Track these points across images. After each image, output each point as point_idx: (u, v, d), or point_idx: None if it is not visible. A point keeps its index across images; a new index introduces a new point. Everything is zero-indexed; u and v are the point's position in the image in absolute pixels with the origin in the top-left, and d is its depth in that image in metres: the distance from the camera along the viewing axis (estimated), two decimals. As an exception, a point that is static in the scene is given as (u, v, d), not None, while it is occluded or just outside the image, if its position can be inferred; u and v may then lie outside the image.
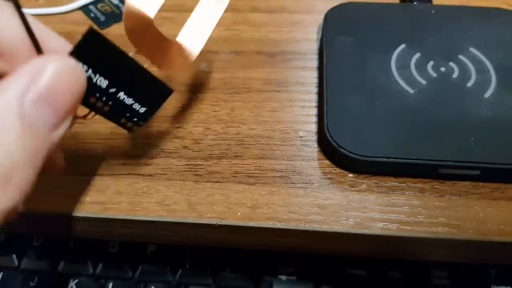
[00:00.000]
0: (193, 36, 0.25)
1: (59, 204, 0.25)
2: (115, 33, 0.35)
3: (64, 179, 0.26)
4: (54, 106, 0.17)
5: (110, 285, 0.32)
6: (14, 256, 0.33)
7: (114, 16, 0.36)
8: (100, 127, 0.28)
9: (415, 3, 0.34)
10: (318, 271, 0.32)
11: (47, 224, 0.26)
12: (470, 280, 0.31)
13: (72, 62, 0.18)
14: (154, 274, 0.32)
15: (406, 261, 0.31)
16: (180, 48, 0.26)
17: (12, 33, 0.19)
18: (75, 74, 0.18)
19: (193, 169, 0.26)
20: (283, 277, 0.32)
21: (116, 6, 0.37)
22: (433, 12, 0.33)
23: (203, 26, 0.25)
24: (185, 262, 0.32)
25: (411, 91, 0.27)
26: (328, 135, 0.26)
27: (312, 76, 0.31)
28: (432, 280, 0.31)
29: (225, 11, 0.37)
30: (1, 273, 0.33)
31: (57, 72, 0.17)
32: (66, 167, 0.26)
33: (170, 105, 0.30)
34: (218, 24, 0.35)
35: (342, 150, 0.25)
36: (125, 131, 0.23)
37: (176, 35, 0.34)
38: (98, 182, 0.26)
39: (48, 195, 0.25)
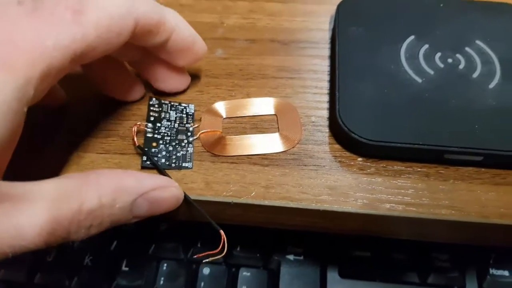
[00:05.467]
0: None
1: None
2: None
3: (87, 157, 0.27)
4: (152, 210, 0.24)
5: (124, 261, 0.34)
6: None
7: None
8: (121, 109, 0.30)
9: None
10: (324, 251, 0.33)
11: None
12: (470, 263, 0.33)
13: (182, 194, 0.25)
14: (167, 252, 0.34)
15: (409, 243, 0.33)
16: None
17: (182, 34, 0.26)
18: (178, 201, 0.25)
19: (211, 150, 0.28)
20: (291, 257, 0.33)
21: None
22: (442, 5, 0.34)
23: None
24: (197, 240, 0.34)
25: (419, 80, 0.29)
26: (339, 120, 0.27)
27: (324, 64, 0.33)
28: (433, 262, 0.33)
29: (241, -1, 0.38)
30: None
31: (172, 196, 0.24)
32: (91, 145, 0.28)
33: (188, 89, 0.31)
34: (234, 12, 0.37)
35: (353, 134, 0.26)
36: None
37: (193, 22, 0.36)
38: (121, 160, 0.27)
39: (72, 171, 0.27)
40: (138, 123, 0.27)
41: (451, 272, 0.32)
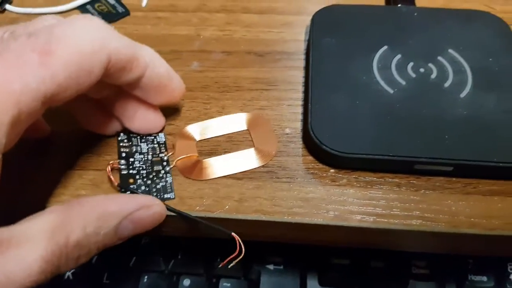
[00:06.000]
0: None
1: (57, 196, 0.27)
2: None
3: (62, 173, 0.27)
4: (136, 229, 0.24)
5: (106, 274, 0.34)
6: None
7: (111, 15, 0.38)
8: (96, 144, 0.30)
9: (399, 5, 0.36)
10: (304, 260, 0.34)
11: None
12: (448, 270, 0.33)
13: (164, 210, 0.25)
14: (148, 264, 0.34)
15: (388, 251, 0.33)
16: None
17: (157, 71, 0.26)
18: (162, 217, 0.25)
19: (185, 165, 0.28)
20: (271, 267, 0.33)
21: (113, 6, 0.38)
22: (415, 14, 0.34)
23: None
24: (178, 252, 0.34)
25: (391, 91, 0.29)
26: (311, 132, 0.27)
27: (299, 76, 0.33)
28: (412, 269, 0.33)
29: (218, 11, 0.38)
30: None
31: (155, 213, 0.24)
32: (66, 161, 0.28)
33: (164, 103, 0.31)
34: (211, 24, 0.37)
35: (324, 147, 0.26)
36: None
37: (169, 35, 0.36)
38: (94, 177, 0.27)
39: (45, 187, 0.27)
40: (111, 162, 0.27)
41: (430, 279, 0.33)
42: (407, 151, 0.26)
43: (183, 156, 0.28)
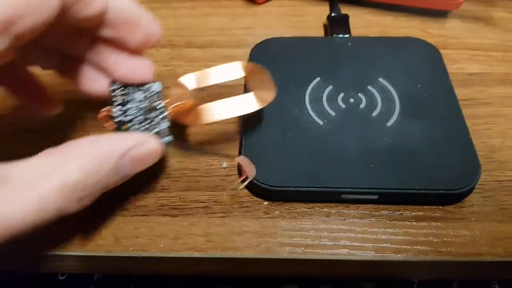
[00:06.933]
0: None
1: None
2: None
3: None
4: (135, 167, 0.24)
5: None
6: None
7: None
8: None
9: (334, 36, 0.37)
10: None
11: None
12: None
13: (160, 146, 0.25)
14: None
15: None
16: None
17: (120, 5, 0.25)
18: (159, 153, 0.25)
19: (122, 204, 0.28)
20: (221, 297, 0.34)
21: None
22: (349, 44, 0.35)
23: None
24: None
25: (321, 122, 0.30)
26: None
27: (239, 109, 0.34)
28: (359, 292, 0.34)
29: (163, 46, 0.39)
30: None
31: (151, 149, 0.25)
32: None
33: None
34: (155, 60, 0.38)
35: (255, 181, 0.27)
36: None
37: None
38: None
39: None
40: (103, 109, 0.26)
41: (376, 301, 0.34)
42: (334, 182, 0.27)
43: (178, 103, 0.27)
